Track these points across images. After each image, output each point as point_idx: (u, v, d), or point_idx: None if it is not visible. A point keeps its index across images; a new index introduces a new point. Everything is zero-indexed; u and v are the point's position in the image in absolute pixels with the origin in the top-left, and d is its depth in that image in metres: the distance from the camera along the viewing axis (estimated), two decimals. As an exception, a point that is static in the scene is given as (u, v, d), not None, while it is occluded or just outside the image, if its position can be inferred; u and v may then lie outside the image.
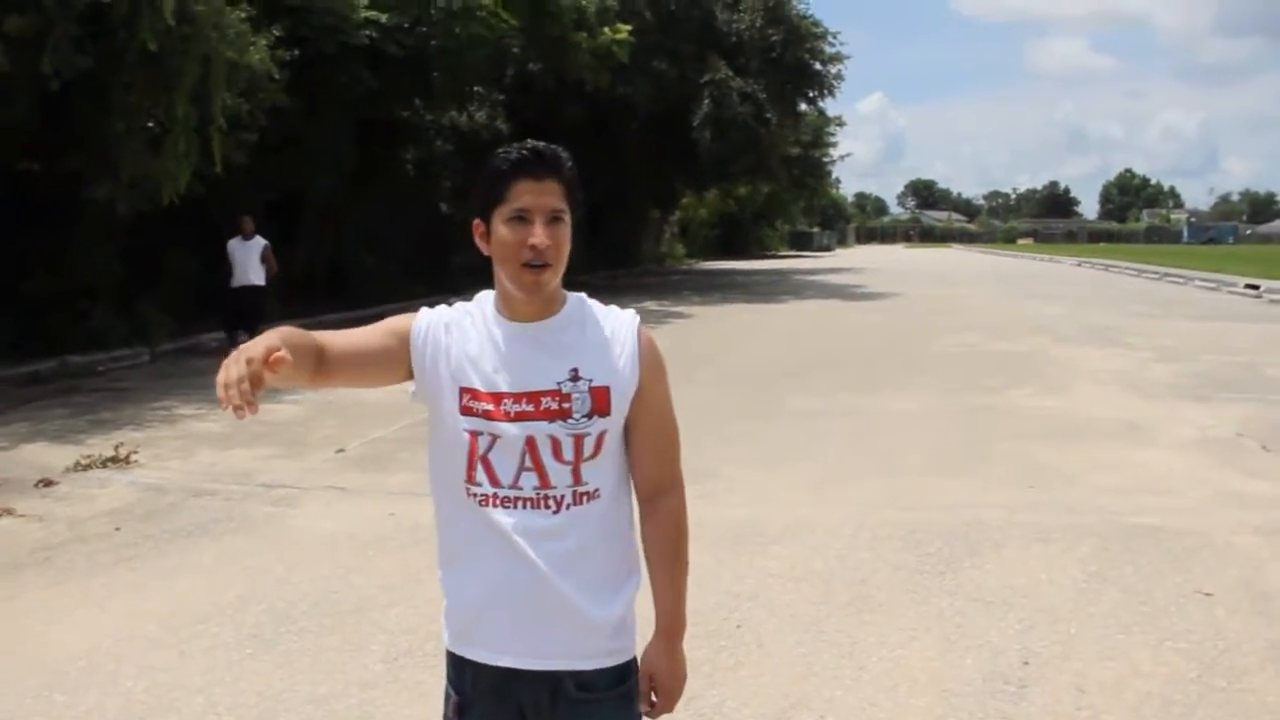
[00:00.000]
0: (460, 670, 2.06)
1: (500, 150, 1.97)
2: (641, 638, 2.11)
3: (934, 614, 4.80)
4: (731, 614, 4.77)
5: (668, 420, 2.09)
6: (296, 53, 16.62)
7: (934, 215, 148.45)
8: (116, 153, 12.71)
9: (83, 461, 8.00)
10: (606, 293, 2.23)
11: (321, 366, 1.94)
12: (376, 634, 4.64)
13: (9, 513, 6.77)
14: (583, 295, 2.08)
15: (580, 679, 1.99)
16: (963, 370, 12.75)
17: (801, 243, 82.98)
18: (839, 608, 4.90)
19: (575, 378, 1.95)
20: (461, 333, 2.02)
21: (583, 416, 1.95)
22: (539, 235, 1.90)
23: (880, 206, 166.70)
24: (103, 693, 4.10)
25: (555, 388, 1.95)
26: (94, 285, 15.05)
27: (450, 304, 2.11)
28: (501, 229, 1.93)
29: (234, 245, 12.93)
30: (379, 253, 23.70)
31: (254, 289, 12.92)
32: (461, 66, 20.79)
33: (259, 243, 12.94)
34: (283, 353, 1.73)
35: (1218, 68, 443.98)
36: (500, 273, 1.98)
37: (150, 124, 13.15)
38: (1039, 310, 21.60)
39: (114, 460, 8.05)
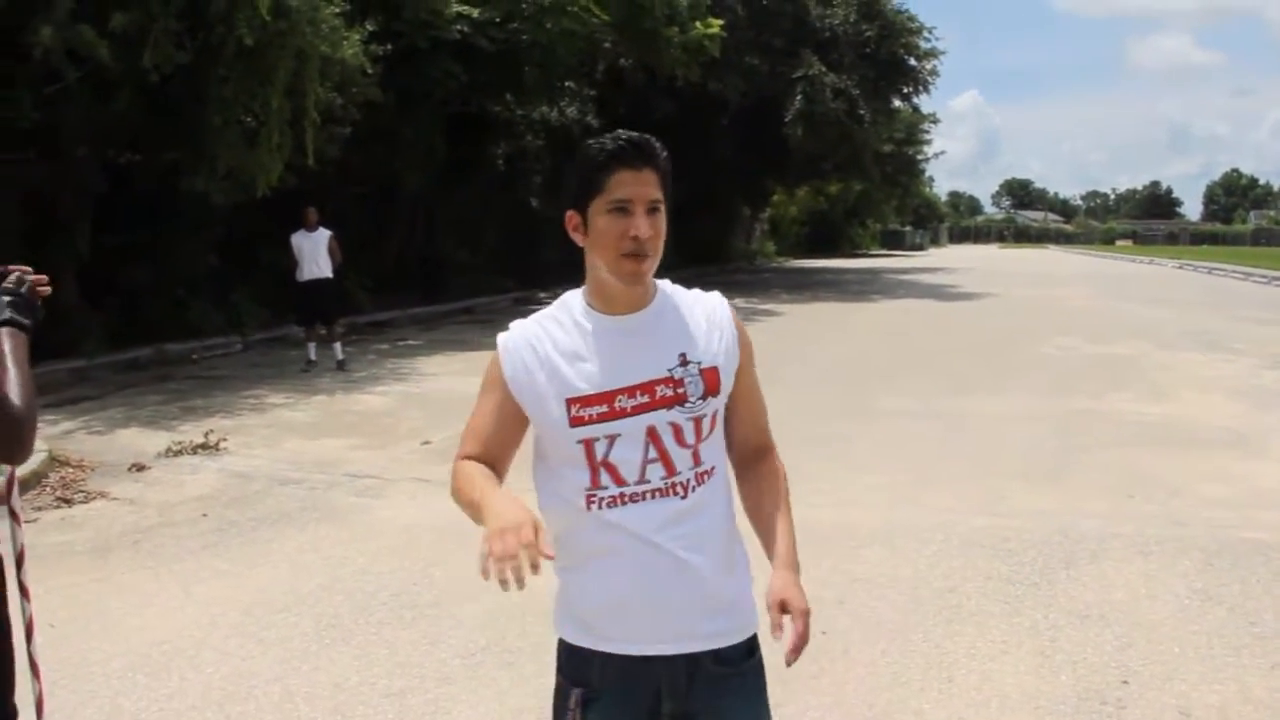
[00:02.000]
0: (586, 664, 2.03)
1: (593, 141, 1.95)
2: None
3: (1027, 626, 4.61)
4: (816, 619, 4.60)
5: (759, 391, 2.16)
6: (389, 47, 16.77)
7: (1029, 215, 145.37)
8: (213, 145, 12.92)
9: (174, 447, 8.14)
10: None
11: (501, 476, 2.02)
12: (454, 629, 4.59)
13: (102, 495, 6.91)
14: (665, 281, 2.08)
15: (717, 655, 2.01)
16: (1061, 373, 12.38)
17: (893, 241, 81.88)
18: (928, 616, 4.73)
19: (685, 362, 1.98)
20: (553, 343, 2.00)
21: (698, 399, 1.97)
22: (641, 226, 1.89)
23: (974, 206, 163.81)
24: (183, 677, 4.13)
25: (667, 375, 1.96)
26: (191, 275, 15.41)
27: (528, 313, 2.10)
28: (601, 220, 1.92)
29: (298, 238, 12.76)
30: (469, 246, 23.88)
31: (324, 282, 12.79)
32: (552, 61, 20.79)
33: (324, 234, 12.80)
34: (549, 549, 1.70)
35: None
36: (598, 263, 1.96)
37: (245, 117, 13.34)
38: (1140, 313, 20.94)
39: (204, 447, 8.18)
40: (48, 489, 7.01)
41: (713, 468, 2.02)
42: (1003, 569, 5.36)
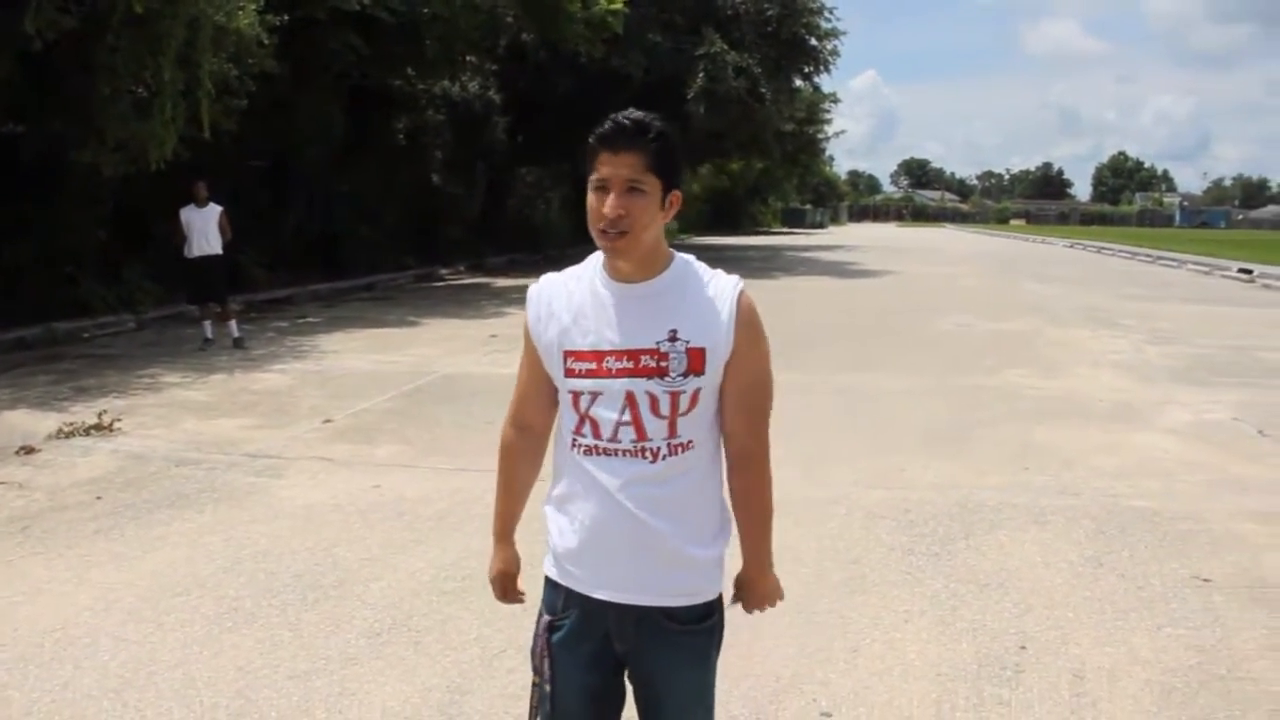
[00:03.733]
0: (555, 593, 2.25)
1: (604, 120, 2.09)
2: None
3: (929, 596, 4.72)
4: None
5: (761, 387, 2.19)
6: (286, 18, 16.39)
7: (927, 194, 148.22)
8: (101, 116, 12.48)
9: (65, 429, 7.87)
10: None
11: (541, 449, 2.39)
12: (360, 608, 4.53)
13: (-13, 480, 6.64)
14: (690, 257, 2.20)
15: (668, 612, 2.18)
16: (958, 350, 12.67)
17: (794, 219, 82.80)
18: (832, 588, 4.81)
19: (673, 338, 2.09)
20: (568, 298, 2.18)
21: (679, 375, 2.08)
22: (610, 205, 2.04)
23: (873, 185, 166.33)
24: (77, 666, 4.00)
25: (654, 347, 2.09)
26: (80, 251, 14.87)
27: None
28: (590, 196, 2.08)
29: (188, 213, 12.27)
30: (370, 222, 23.50)
31: (214, 258, 12.34)
32: (454, 35, 20.52)
33: (214, 209, 12.36)
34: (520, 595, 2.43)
35: (1211, 54, 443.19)
36: (592, 235, 2.10)
37: (136, 88, 12.92)
38: (1033, 291, 21.52)
39: (97, 428, 7.93)
40: (-71, 473, 6.73)
41: (691, 441, 2.13)
42: (904, 540, 5.47)
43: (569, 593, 2.22)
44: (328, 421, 8.32)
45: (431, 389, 9.81)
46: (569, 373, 2.15)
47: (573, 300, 2.16)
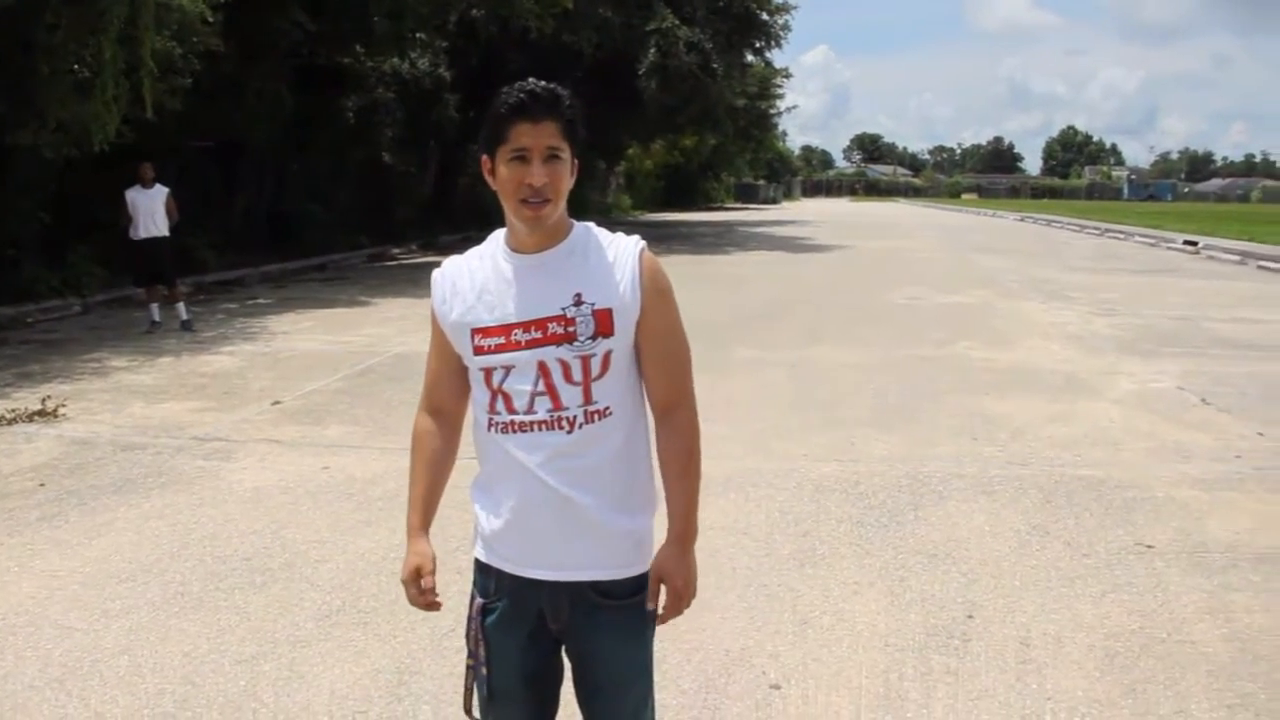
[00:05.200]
0: (486, 576, 2.23)
1: (503, 90, 2.07)
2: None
3: (878, 567, 4.76)
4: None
5: (675, 340, 2.19)
6: (231, -6, 16.07)
7: (880, 169, 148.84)
8: (41, 96, 12.20)
9: (7, 415, 7.74)
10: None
11: (455, 437, 2.37)
12: (308, 591, 4.50)
13: (-73, 468, 6.52)
14: (590, 224, 2.21)
15: (599, 587, 2.16)
16: (909, 323, 12.76)
17: (748, 195, 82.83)
18: (781, 561, 4.84)
19: (579, 302, 2.08)
20: (470, 277, 2.18)
21: (587, 339, 2.08)
22: (535, 174, 2.03)
23: (826, 160, 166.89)
24: (18, 655, 3.94)
25: (560, 313, 2.08)
26: (21, 234, 14.58)
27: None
28: (503, 168, 2.06)
29: (134, 195, 12.08)
30: (320, 202, 23.24)
31: (160, 240, 12.15)
32: (403, 11, 20.27)
33: (160, 190, 12.18)
34: (436, 598, 2.26)
35: (1157, 27, 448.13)
36: (505, 207, 2.10)
37: (77, 67, 12.64)
38: (984, 264, 21.71)
39: (41, 414, 7.80)
40: None
41: (607, 408, 2.12)
42: (854, 512, 5.52)
43: (499, 574, 2.20)
44: (277, 403, 8.24)
45: (382, 369, 9.74)
46: (478, 350, 2.13)
47: (475, 278, 2.17)
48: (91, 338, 12.04)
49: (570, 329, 2.08)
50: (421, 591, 2.22)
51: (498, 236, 2.20)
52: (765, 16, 32.64)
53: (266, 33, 17.81)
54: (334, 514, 5.53)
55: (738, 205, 73.35)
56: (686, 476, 2.20)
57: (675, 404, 2.20)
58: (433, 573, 2.22)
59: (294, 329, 12.47)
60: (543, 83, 2.07)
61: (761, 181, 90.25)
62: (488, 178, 2.12)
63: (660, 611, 2.21)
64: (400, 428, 7.21)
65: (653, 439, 2.23)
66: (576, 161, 2.13)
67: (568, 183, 2.09)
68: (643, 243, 2.18)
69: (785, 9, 32.95)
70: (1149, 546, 5.01)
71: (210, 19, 14.68)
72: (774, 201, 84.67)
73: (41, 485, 6.14)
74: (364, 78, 24.65)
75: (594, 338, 2.08)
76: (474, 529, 2.26)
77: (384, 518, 5.44)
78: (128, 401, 8.44)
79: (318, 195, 23.27)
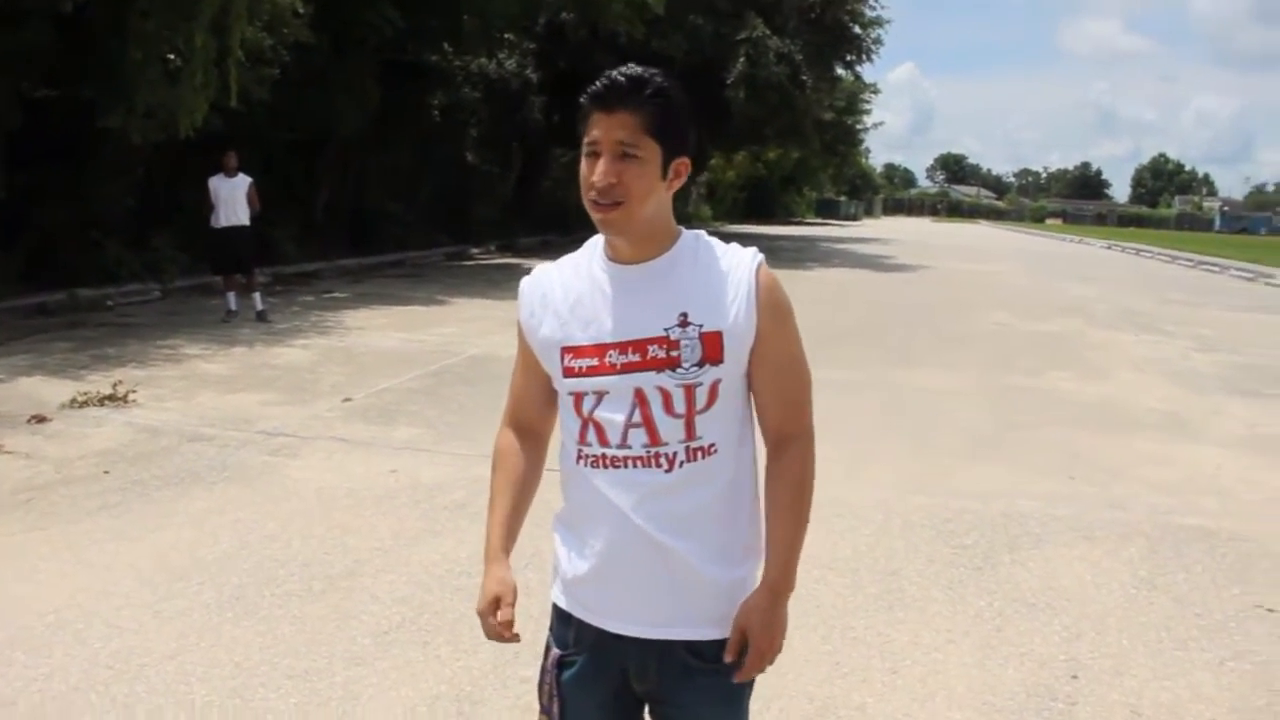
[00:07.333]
0: (565, 625, 1.98)
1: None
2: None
3: (972, 614, 4.42)
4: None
5: (794, 367, 1.93)
6: (323, -12, 16.13)
7: (962, 190, 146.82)
8: (132, 82, 12.26)
9: (79, 398, 7.68)
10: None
11: (541, 453, 2.08)
12: (368, 603, 4.28)
13: (-5, 448, 6.45)
14: (700, 232, 1.94)
15: (693, 647, 1.89)
16: (997, 348, 12.30)
17: (829, 210, 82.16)
18: (869, 601, 4.52)
19: (684, 323, 1.82)
20: (563, 288, 1.92)
21: (693, 365, 1.82)
22: (599, 172, 1.78)
23: (909, 178, 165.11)
24: (67, 653, 3.78)
25: (663, 334, 1.82)
26: (107, 218, 14.72)
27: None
28: (581, 164, 1.83)
29: (216, 183, 12.07)
30: (402, 199, 23.29)
31: (241, 229, 12.11)
32: (492, 10, 20.25)
33: (244, 180, 12.15)
34: (513, 632, 1.92)
35: (1255, 55, 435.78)
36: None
37: (168, 54, 12.70)
38: (1072, 291, 21.03)
39: (111, 398, 7.73)
40: (-64, 439, 6.54)
41: (713, 445, 1.85)
42: (945, 552, 5.17)
43: (580, 625, 1.95)
44: (347, 400, 8.09)
45: (457, 370, 9.56)
46: (568, 371, 1.88)
47: (569, 290, 1.91)
48: (168, 324, 12.06)
49: (674, 353, 1.81)
50: (500, 623, 1.92)
51: (596, 243, 1.94)
52: (858, 30, 32.17)
53: (357, 26, 17.87)
54: (399, 521, 5.32)
55: (818, 220, 72.75)
56: (793, 512, 1.93)
57: (793, 435, 1.94)
58: (513, 605, 1.93)
59: (369, 325, 12.38)
60: (638, 68, 1.81)
61: (843, 198, 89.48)
62: None
63: (739, 667, 1.90)
64: (473, 433, 7.01)
65: (762, 476, 1.96)
66: (682, 161, 1.85)
67: (650, 184, 1.80)
68: (760, 256, 1.89)
69: (879, 23, 32.46)
70: (1270, 610, 4.60)
71: (301, 10, 14.73)
72: (854, 218, 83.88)
73: (105, 472, 6.03)
74: (451, 76, 24.71)
75: (700, 364, 1.81)
76: (553, 568, 2.02)
77: (450, 528, 5.22)
78: (198, 390, 8.35)
79: (399, 192, 23.31)
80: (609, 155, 1.78)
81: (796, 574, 1.94)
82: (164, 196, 15.81)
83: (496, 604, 1.92)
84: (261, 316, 12.26)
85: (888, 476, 6.51)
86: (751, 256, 1.88)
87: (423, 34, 20.01)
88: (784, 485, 1.93)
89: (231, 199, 12.14)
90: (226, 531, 5.12)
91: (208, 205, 12.22)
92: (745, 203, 62.42)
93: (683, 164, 1.86)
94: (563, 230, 29.94)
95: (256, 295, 12.47)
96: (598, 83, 1.79)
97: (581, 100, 1.81)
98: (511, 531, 2.02)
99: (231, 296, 12.45)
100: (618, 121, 1.77)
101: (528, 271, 2.03)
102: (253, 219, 12.37)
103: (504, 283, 17.91)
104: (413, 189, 24.14)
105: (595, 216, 1.81)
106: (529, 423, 2.06)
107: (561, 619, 1.99)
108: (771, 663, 1.93)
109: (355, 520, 5.32)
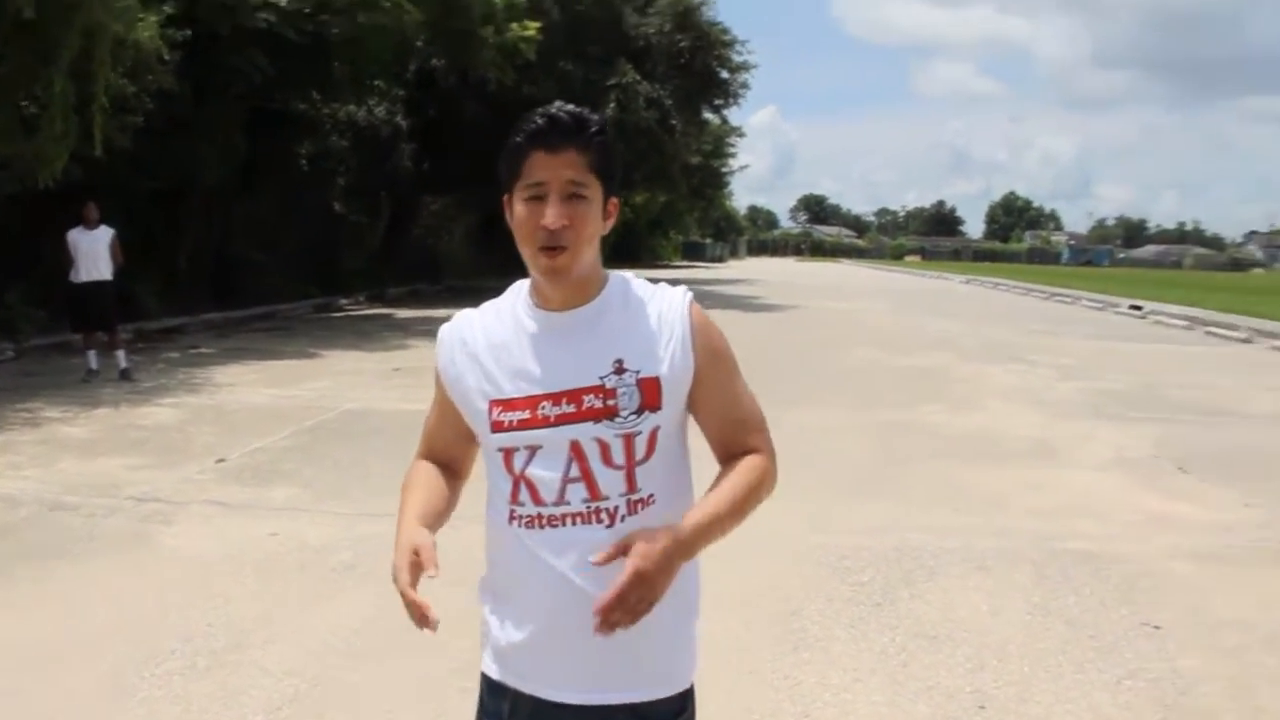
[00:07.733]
0: (499, 697, 1.85)
1: (527, 114, 1.75)
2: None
3: (876, 651, 4.43)
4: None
5: (739, 402, 1.86)
6: (188, 33, 15.68)
7: (825, 230, 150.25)
8: (-17, 131, 11.73)
9: (-72, 468, 7.21)
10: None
11: (457, 484, 1.96)
12: (258, 677, 4.06)
13: None
14: (627, 274, 1.89)
15: (637, 710, 1.79)
16: (871, 384, 12.53)
17: (695, 253, 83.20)
18: (773, 642, 4.50)
19: (620, 370, 1.75)
20: (486, 337, 1.83)
21: (631, 414, 1.74)
22: (550, 215, 1.70)
23: (771, 220, 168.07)
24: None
25: (599, 383, 1.74)
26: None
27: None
28: (519, 207, 1.74)
29: (76, 235, 11.54)
30: (268, 249, 22.73)
31: (102, 284, 11.60)
32: (363, 57, 20.00)
33: (106, 232, 11.66)
34: (432, 571, 1.68)
35: (1094, 98, 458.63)
36: (523, 255, 1.77)
37: (25, 101, 12.17)
38: (937, 326, 21.64)
39: (-36, 467, 7.28)
40: None
41: (651, 496, 1.76)
42: (843, 589, 5.19)
43: (516, 695, 1.82)
44: (220, 461, 7.78)
45: (332, 425, 9.30)
46: (497, 426, 1.77)
47: (492, 337, 1.82)
48: (24, 385, 11.47)
49: (610, 402, 1.73)
50: (412, 568, 1.66)
51: (520, 288, 1.87)
52: (725, 75, 32.80)
53: (222, 74, 17.46)
54: (284, 586, 5.10)
55: (685, 263, 73.52)
56: (737, 488, 1.79)
57: (754, 449, 1.87)
58: (435, 563, 1.67)
59: (239, 381, 11.97)
60: (570, 106, 1.75)
61: (709, 240, 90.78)
62: (508, 219, 1.78)
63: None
64: (353, 491, 6.82)
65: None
66: (615, 201, 1.81)
67: (595, 226, 1.75)
68: (690, 294, 1.84)
69: (746, 68, 33.17)
70: (1156, 627, 4.73)
71: (167, 56, 14.31)
72: (720, 260, 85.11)
73: (-39, 548, 5.65)
74: (319, 124, 24.32)
75: (639, 412, 1.73)
76: (482, 637, 1.90)
77: (338, 591, 5.03)
78: (60, 455, 7.94)
79: (265, 242, 22.76)
80: (558, 196, 1.70)
81: (699, 547, 1.74)
82: (18, 249, 15.09)
83: (415, 554, 1.68)
84: (125, 375, 11.75)
85: (778, 515, 6.49)
86: (682, 296, 1.84)
87: (291, 81, 19.62)
88: (742, 467, 1.83)
89: (92, 252, 11.64)
90: (97, 608, 4.83)
91: (67, 259, 11.70)
92: (612, 247, 62.64)
93: (614, 204, 1.81)
94: (432, 279, 29.66)
95: (120, 353, 11.95)
96: (536, 121, 1.71)
97: (517, 140, 1.72)
98: (431, 512, 1.84)
99: (93, 355, 11.90)
100: (565, 161, 1.70)
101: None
102: (115, 273, 11.88)
103: (375, 334, 17.61)
104: (279, 239, 23.59)
105: (542, 263, 1.73)
106: (441, 453, 1.95)
107: (494, 691, 1.87)
108: (633, 617, 1.64)
109: (237, 588, 5.08)
